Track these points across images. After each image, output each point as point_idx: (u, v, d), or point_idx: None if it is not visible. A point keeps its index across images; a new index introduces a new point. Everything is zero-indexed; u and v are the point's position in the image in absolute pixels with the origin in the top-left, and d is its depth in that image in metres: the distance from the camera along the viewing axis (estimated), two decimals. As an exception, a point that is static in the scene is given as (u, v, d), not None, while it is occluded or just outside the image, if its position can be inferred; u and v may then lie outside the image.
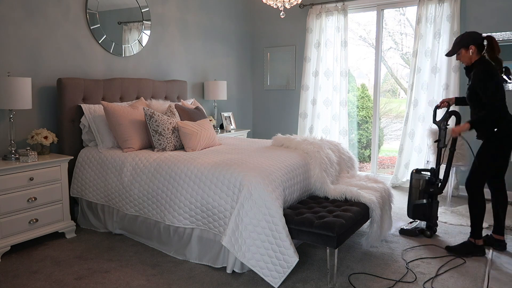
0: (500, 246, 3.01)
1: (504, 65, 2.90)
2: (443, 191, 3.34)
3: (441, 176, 3.36)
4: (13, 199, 2.90)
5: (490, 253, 2.98)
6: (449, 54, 3.03)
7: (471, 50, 2.87)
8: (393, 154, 6.27)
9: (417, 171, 3.37)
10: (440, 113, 3.46)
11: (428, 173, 3.33)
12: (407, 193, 3.49)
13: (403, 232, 3.34)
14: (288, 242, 2.42)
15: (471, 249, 2.91)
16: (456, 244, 3.01)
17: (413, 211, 3.33)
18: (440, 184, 3.27)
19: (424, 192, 3.29)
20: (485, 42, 2.88)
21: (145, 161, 3.19)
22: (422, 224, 3.43)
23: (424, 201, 3.27)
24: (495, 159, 2.91)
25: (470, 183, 2.95)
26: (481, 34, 2.90)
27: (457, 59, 3.04)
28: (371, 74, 5.58)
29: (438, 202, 3.28)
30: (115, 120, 3.43)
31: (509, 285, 2.51)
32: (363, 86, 6.42)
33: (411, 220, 3.53)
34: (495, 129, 2.85)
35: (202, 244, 2.83)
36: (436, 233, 3.35)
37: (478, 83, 2.80)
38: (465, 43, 2.88)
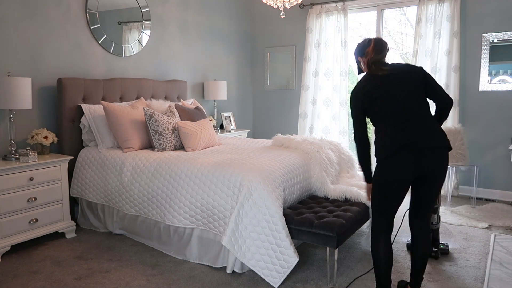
0: None
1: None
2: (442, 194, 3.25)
3: None
4: (13, 199, 2.90)
5: (490, 252, 2.98)
6: (358, 72, 2.42)
7: (362, 63, 2.29)
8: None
9: None
10: None
11: None
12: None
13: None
14: (288, 242, 2.42)
15: None
16: None
17: None
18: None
19: None
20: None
21: (145, 161, 3.19)
22: None
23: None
24: (380, 193, 2.15)
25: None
26: (367, 40, 2.26)
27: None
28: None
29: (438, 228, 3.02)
30: (115, 120, 3.43)
31: (509, 285, 2.51)
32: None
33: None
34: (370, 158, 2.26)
35: (202, 244, 2.83)
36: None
37: None
38: (356, 59, 2.34)
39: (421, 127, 2.07)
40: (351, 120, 2.29)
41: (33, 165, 2.99)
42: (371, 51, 2.17)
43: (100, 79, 3.85)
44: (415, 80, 2.15)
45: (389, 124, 2.09)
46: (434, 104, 2.25)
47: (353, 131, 2.27)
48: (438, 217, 3.00)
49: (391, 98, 2.11)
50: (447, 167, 2.15)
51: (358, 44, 2.31)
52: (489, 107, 4.39)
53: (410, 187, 2.19)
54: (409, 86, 2.14)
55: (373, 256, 2.21)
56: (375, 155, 2.14)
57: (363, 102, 2.17)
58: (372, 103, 2.14)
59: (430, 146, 2.03)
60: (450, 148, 2.11)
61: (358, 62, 2.34)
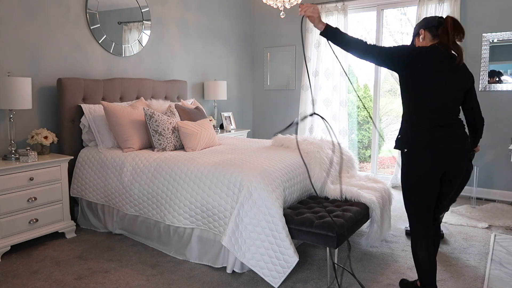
0: None
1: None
2: None
3: None
4: (13, 199, 2.90)
5: (490, 252, 2.98)
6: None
7: (421, 36, 2.22)
8: (393, 154, 6.27)
9: None
10: None
11: None
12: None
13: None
14: (288, 242, 2.42)
15: None
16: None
17: None
18: None
19: None
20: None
21: (145, 161, 3.19)
22: None
23: None
24: (412, 189, 2.19)
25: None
26: (439, 17, 2.19)
27: None
28: (371, 74, 5.57)
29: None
30: (115, 120, 3.43)
31: (509, 285, 2.51)
32: (366, 86, 6.41)
33: None
34: (399, 136, 2.21)
35: (202, 244, 2.83)
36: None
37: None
38: (416, 31, 2.26)
39: (450, 131, 2.12)
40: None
41: (33, 165, 2.99)
42: (450, 27, 2.09)
43: (100, 79, 3.85)
44: (464, 87, 2.18)
45: (424, 118, 2.12)
46: (464, 116, 2.33)
47: (372, 47, 2.14)
48: None
49: (438, 86, 2.09)
50: (465, 167, 2.23)
51: (426, 17, 2.25)
52: (489, 107, 4.39)
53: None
54: (458, 88, 2.15)
55: (414, 259, 2.23)
56: (403, 144, 2.17)
57: (411, 58, 2.08)
58: (419, 71, 2.08)
59: (453, 150, 2.12)
60: (469, 151, 2.21)
61: (415, 35, 2.26)
